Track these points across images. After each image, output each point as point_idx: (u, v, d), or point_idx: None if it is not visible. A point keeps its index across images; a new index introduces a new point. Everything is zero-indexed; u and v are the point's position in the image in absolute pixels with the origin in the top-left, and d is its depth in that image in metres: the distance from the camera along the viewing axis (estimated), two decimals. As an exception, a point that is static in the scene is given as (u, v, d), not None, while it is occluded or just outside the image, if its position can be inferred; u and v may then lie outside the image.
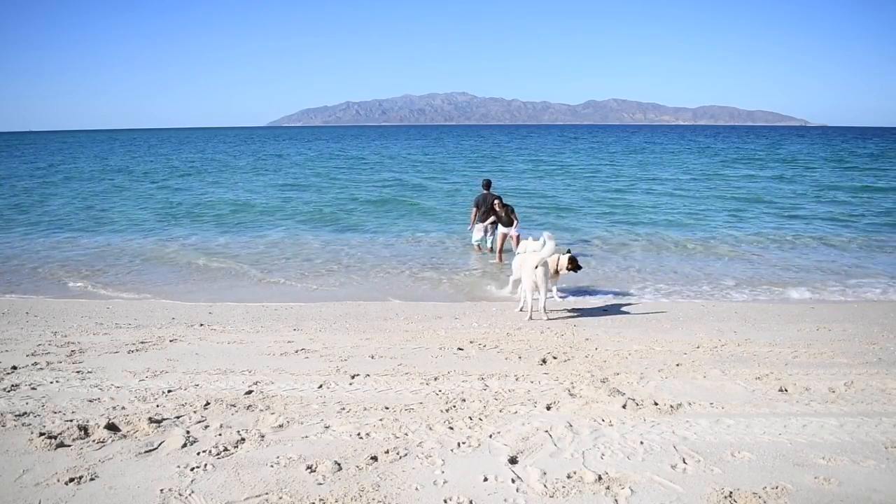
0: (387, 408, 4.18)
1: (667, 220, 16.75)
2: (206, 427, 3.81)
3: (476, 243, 12.31)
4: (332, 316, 7.83)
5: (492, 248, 11.97)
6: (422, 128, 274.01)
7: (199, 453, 3.43)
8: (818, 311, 8.27)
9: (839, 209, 18.66)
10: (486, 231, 12.10)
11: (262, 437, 3.67)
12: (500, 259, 11.51)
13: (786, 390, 4.58)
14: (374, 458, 3.38)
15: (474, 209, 12.15)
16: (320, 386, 4.68)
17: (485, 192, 12.16)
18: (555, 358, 5.58)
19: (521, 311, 7.78)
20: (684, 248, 13.01)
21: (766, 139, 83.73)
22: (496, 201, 11.60)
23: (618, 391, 4.52)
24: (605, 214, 17.87)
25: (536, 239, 7.69)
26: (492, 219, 11.81)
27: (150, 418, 3.88)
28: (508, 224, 11.49)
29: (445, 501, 2.97)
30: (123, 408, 4.15)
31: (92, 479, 3.14)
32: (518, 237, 11.14)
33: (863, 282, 10.19)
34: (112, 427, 3.74)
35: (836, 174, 31.01)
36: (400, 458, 3.41)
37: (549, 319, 7.46)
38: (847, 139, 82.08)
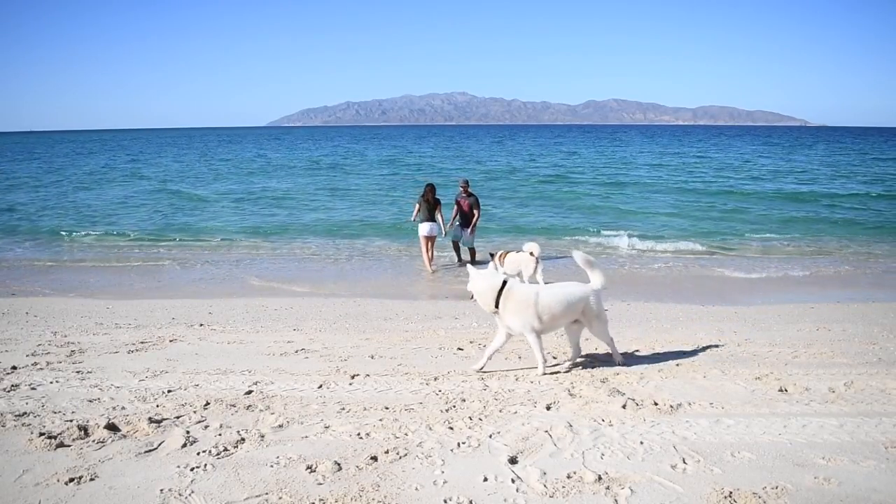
0: (387, 408, 4.18)
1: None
2: (206, 427, 3.81)
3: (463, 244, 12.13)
4: (332, 316, 7.83)
5: (470, 249, 12.02)
6: (418, 128, 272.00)
7: (198, 453, 3.43)
8: (818, 311, 8.26)
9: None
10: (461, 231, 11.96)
11: (262, 437, 3.67)
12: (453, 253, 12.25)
13: (786, 390, 4.57)
14: (374, 458, 3.38)
15: (455, 207, 12.00)
16: (320, 386, 4.68)
17: (463, 192, 11.98)
18: (554, 358, 5.58)
19: None
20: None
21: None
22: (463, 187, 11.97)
23: (618, 391, 4.52)
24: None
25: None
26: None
27: (150, 418, 3.89)
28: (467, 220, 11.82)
29: (445, 501, 2.97)
30: (123, 408, 4.15)
31: (92, 479, 3.14)
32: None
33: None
34: (112, 427, 3.75)
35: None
36: (400, 458, 3.40)
37: None
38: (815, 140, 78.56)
